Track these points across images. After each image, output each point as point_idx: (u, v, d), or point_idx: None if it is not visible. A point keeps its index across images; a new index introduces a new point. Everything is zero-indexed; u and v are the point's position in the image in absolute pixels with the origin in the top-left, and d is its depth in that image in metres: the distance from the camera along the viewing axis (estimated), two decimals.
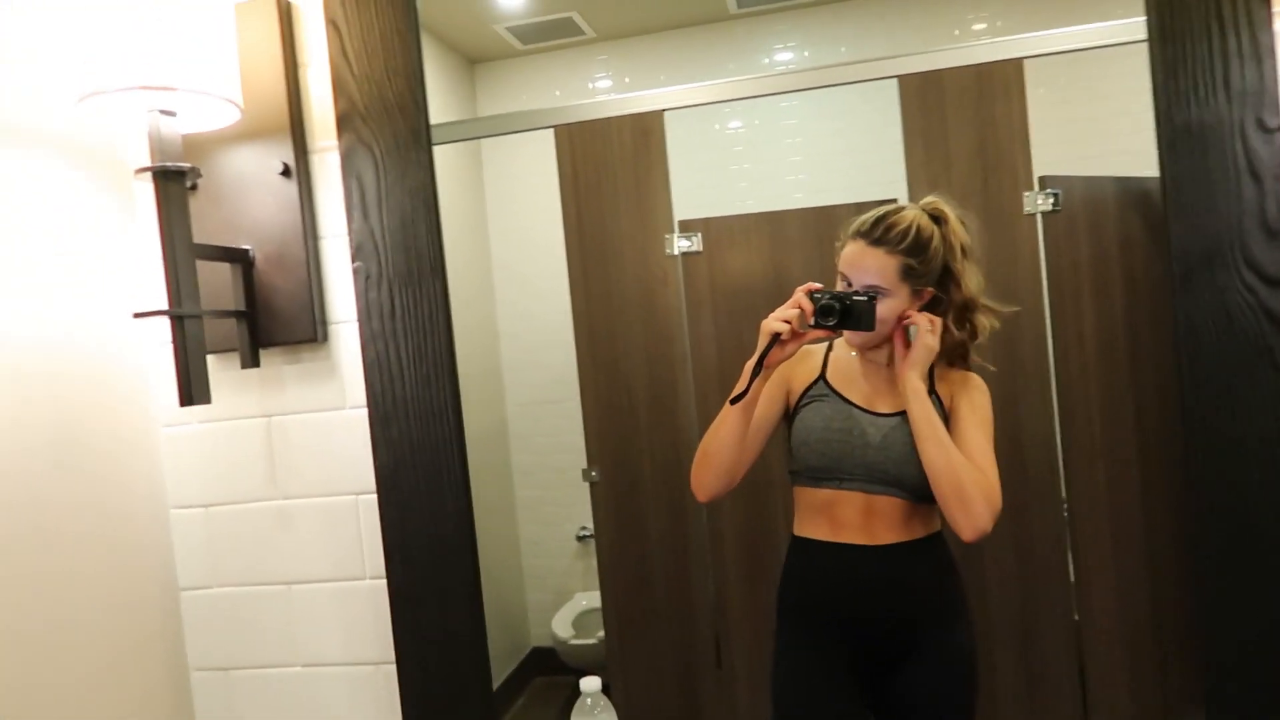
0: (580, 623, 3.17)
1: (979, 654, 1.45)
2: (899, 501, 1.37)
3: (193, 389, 1.17)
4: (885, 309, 1.33)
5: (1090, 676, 2.05)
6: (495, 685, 3.13)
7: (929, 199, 1.40)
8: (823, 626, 1.41)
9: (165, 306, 1.17)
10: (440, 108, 3.23)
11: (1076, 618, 2.04)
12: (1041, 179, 2.01)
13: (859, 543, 1.38)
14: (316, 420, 1.37)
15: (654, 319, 2.20)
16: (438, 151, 3.43)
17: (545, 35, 3.43)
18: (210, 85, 1.17)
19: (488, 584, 3.40)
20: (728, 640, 2.19)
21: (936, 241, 1.35)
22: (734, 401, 1.31)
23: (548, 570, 3.55)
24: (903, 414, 1.37)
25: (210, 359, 1.38)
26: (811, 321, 1.28)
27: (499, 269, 3.60)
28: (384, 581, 1.33)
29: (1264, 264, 1.11)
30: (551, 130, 2.22)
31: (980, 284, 1.40)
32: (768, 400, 1.40)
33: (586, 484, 2.24)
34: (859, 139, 3.22)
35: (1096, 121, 2.39)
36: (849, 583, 1.39)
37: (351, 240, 1.30)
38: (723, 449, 1.34)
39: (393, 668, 1.34)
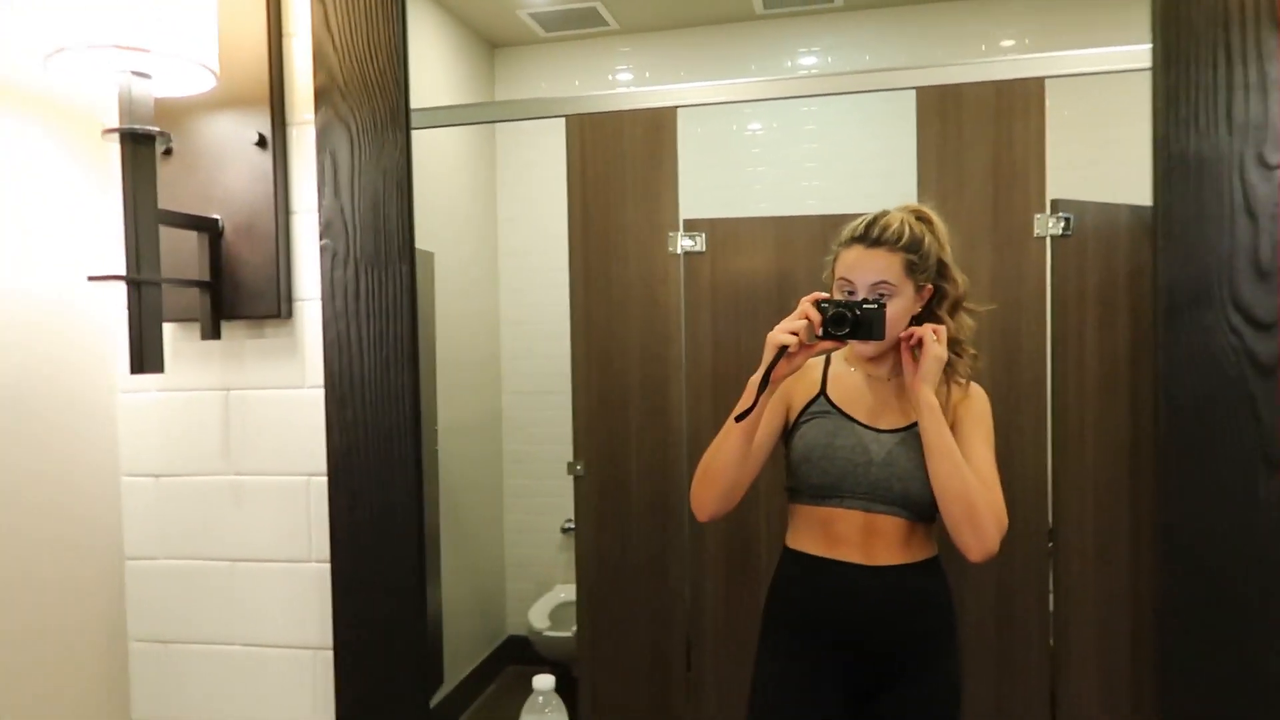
0: (557, 615, 3.16)
1: (963, 685, 1.42)
2: (900, 521, 1.34)
3: (144, 357, 1.15)
4: (894, 310, 1.31)
5: (1061, 707, 2.01)
6: (467, 671, 3.14)
7: (908, 205, 1.41)
8: (810, 643, 1.38)
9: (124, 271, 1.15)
10: (456, 90, 3.24)
11: (1052, 643, 2.00)
12: (1054, 202, 1.97)
13: (856, 561, 1.35)
14: (275, 397, 1.35)
15: (652, 317, 2.17)
16: (450, 132, 3.40)
17: (568, 24, 3.41)
18: (186, 49, 1.14)
19: (468, 569, 3.42)
20: (700, 645, 2.17)
21: (929, 237, 1.36)
22: (739, 418, 1.28)
23: (530, 560, 3.55)
24: (906, 430, 1.35)
25: (171, 328, 1.37)
26: (820, 333, 1.24)
27: (505, 256, 3.59)
28: (329, 566, 1.31)
29: (1253, 306, 1.07)
30: (563, 120, 2.21)
31: (965, 280, 1.41)
32: (770, 415, 1.37)
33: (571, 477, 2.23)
34: (876, 148, 3.18)
35: (1115, 146, 2.34)
36: (843, 601, 1.36)
37: (321, 217, 1.28)
38: (726, 468, 1.31)
39: (330, 654, 1.32)
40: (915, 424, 1.34)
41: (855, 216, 1.62)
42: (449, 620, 2.78)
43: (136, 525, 1.42)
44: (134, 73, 1.14)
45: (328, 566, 1.31)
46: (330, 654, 1.32)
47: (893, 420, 1.37)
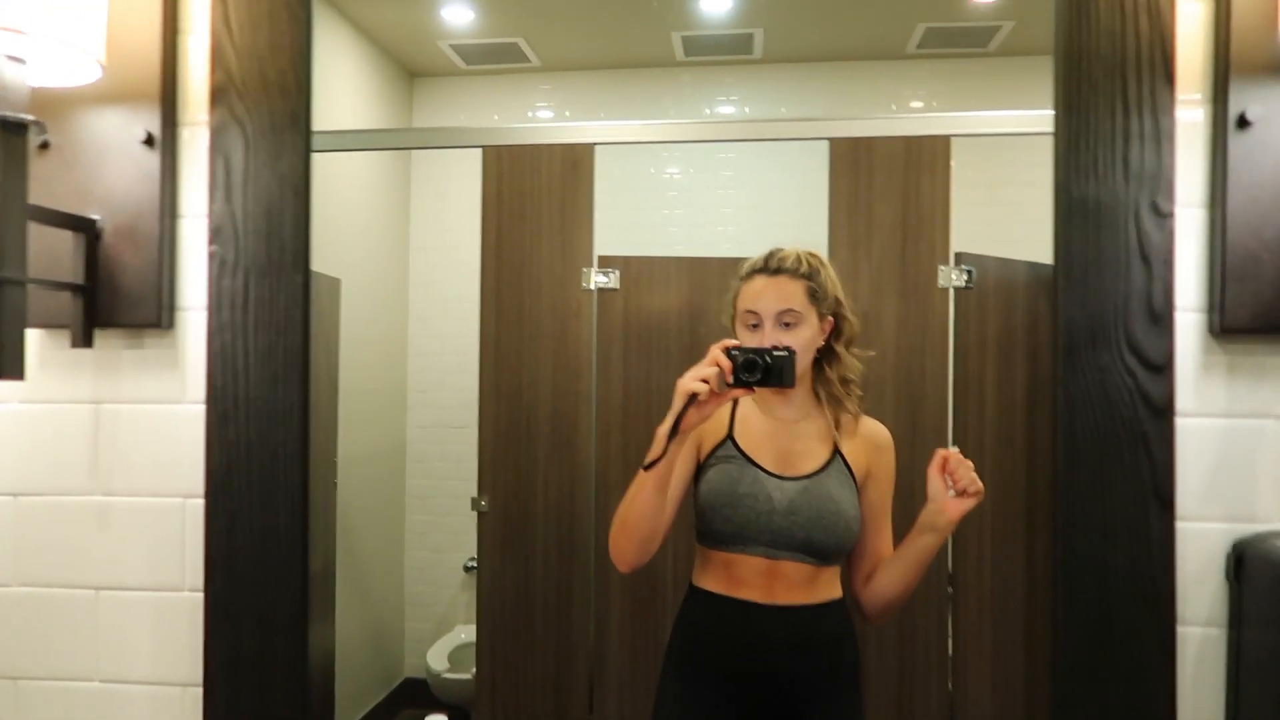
0: (457, 656, 3.06)
1: None
2: (803, 566, 1.33)
3: (3, 362, 1.05)
4: (800, 340, 1.31)
5: None
6: (361, 714, 2.99)
7: (799, 249, 1.41)
8: (710, 683, 1.35)
9: None
10: (373, 116, 3.18)
11: (950, 688, 2.01)
12: (957, 255, 2.03)
13: (758, 600, 1.33)
14: (151, 412, 1.26)
15: (563, 352, 2.14)
16: (365, 157, 3.34)
17: (490, 58, 3.39)
18: (68, 34, 1.08)
19: (365, 607, 3.28)
20: (602, 686, 2.11)
21: (824, 271, 1.37)
22: (648, 468, 1.24)
23: (431, 599, 3.43)
24: (811, 477, 1.35)
25: (38, 334, 1.27)
26: (731, 380, 1.22)
27: (416, 285, 3.51)
28: (203, 595, 1.22)
29: (1146, 348, 1.10)
30: (480, 151, 2.18)
31: (858, 322, 1.43)
32: (682, 459, 1.34)
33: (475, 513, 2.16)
34: (790, 196, 3.24)
35: (1015, 206, 2.43)
36: (744, 639, 1.34)
37: (211, 222, 1.21)
38: (641, 518, 1.27)
39: (200, 691, 1.22)
40: (819, 471, 1.35)
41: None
42: (343, 660, 2.65)
43: None
44: (7, 56, 1.06)
45: (201, 596, 1.22)
46: (199, 691, 1.22)
47: (798, 466, 1.36)
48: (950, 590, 2.03)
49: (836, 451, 1.38)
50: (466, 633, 3.15)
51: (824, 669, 1.35)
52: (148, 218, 1.22)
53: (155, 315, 1.22)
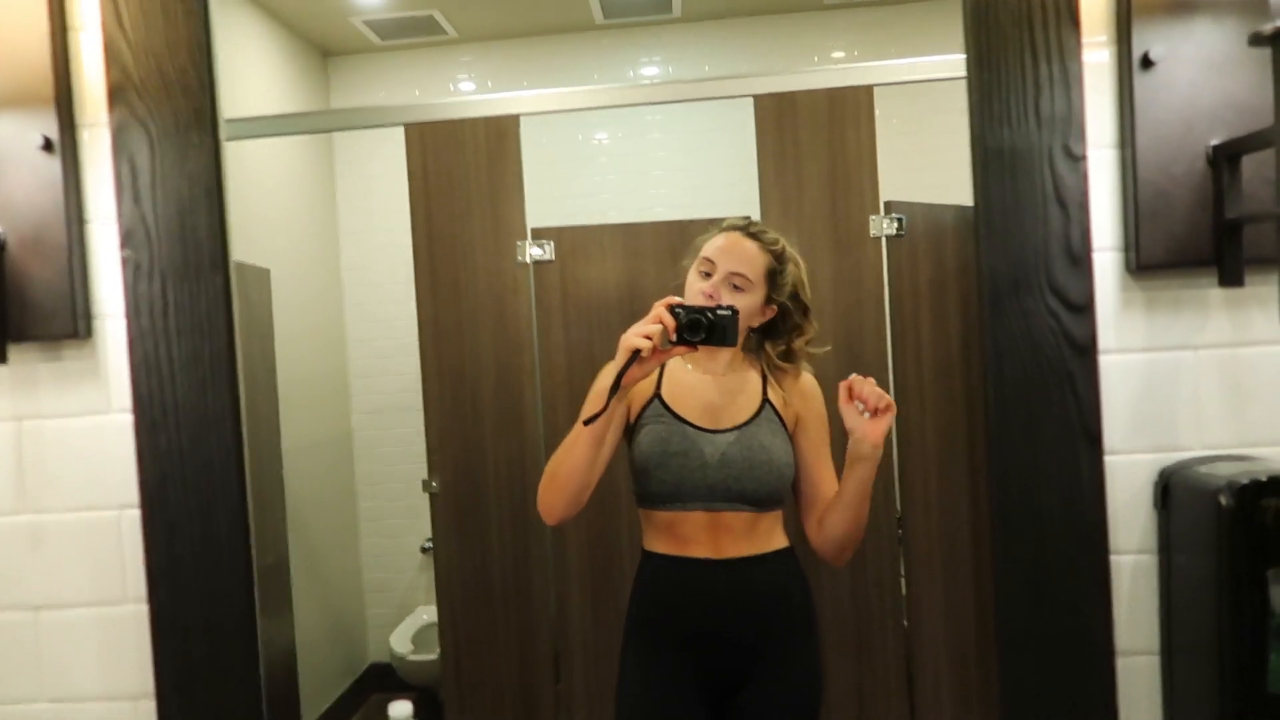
0: (420, 638, 3.07)
1: (825, 672, 1.45)
2: (744, 514, 1.36)
3: None
4: (743, 305, 1.33)
5: (918, 684, 2.09)
6: (328, 704, 2.99)
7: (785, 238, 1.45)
8: (669, 644, 1.38)
9: None
10: (287, 100, 3.09)
11: (906, 624, 2.08)
12: (887, 204, 2.05)
13: (705, 556, 1.36)
14: (77, 426, 1.22)
15: (503, 327, 2.13)
16: (285, 144, 3.25)
17: (405, 32, 3.31)
18: None
19: (323, 597, 3.27)
20: (568, 656, 2.14)
21: (793, 265, 1.41)
22: (588, 422, 1.25)
23: (390, 584, 3.43)
24: (740, 428, 1.36)
25: None
26: (675, 338, 1.23)
27: (348, 270, 3.46)
28: (147, 607, 1.19)
29: (1067, 290, 1.12)
30: (403, 130, 2.14)
31: (817, 326, 1.47)
32: (615, 415, 1.35)
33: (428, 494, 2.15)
34: (719, 156, 3.25)
35: (939, 151, 2.46)
36: (694, 596, 1.37)
37: (121, 226, 1.17)
38: (574, 471, 1.29)
39: (153, 703, 1.20)
40: (749, 422, 1.37)
41: (699, 222, 1.65)
42: (305, 652, 2.63)
43: None
44: None
45: (146, 608, 1.20)
46: (152, 703, 1.21)
47: (727, 418, 1.38)
48: (900, 533, 2.09)
49: (765, 401, 1.40)
50: (428, 614, 3.16)
51: (776, 619, 1.38)
52: (53, 226, 1.17)
53: (71, 326, 1.18)
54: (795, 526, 1.48)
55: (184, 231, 1.16)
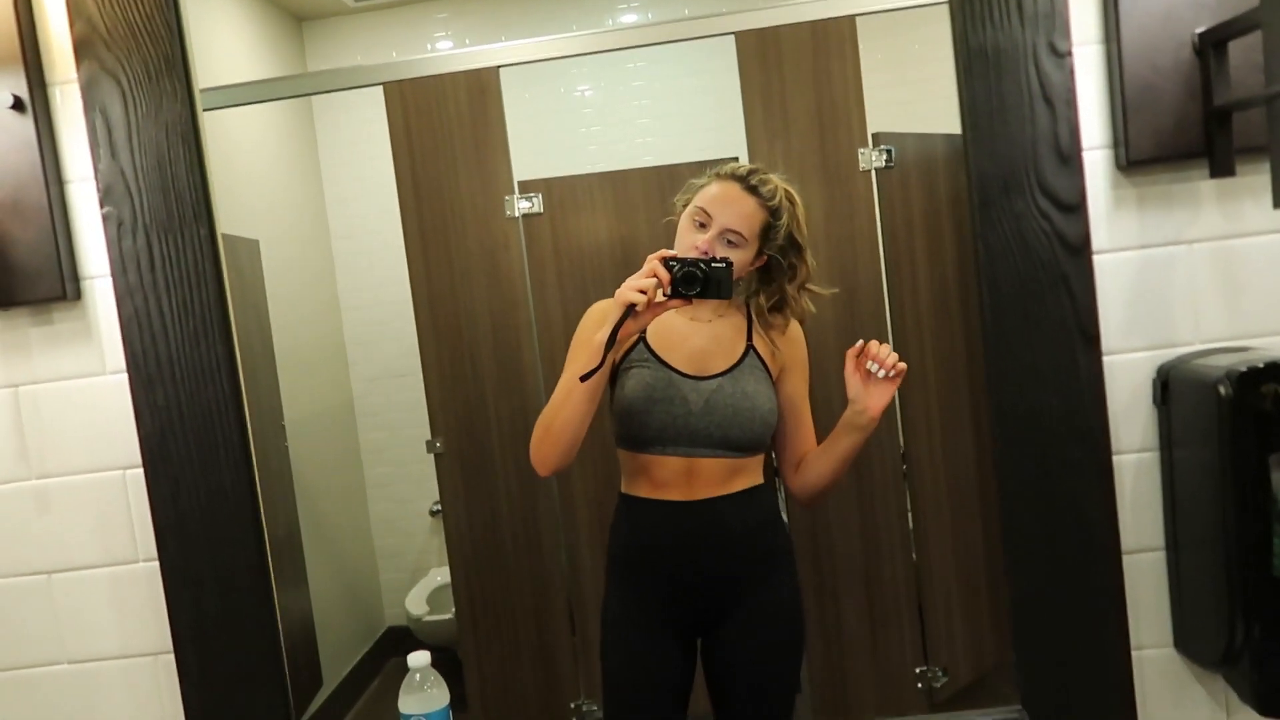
0: (435, 599, 3.08)
1: (803, 605, 1.45)
2: (723, 460, 1.36)
3: None
4: (735, 259, 1.31)
5: (929, 615, 2.10)
6: (347, 669, 3.02)
7: (783, 180, 1.41)
8: (647, 587, 1.39)
9: None
10: (262, 68, 3.05)
11: (915, 558, 2.09)
12: (875, 136, 2.03)
13: (679, 498, 1.36)
14: (73, 388, 1.22)
15: (497, 283, 2.12)
16: (264, 111, 3.20)
17: None
18: None
19: (337, 565, 3.28)
20: (581, 608, 2.15)
21: (789, 215, 1.37)
22: (585, 378, 1.24)
23: (402, 548, 3.45)
24: (724, 374, 1.36)
25: None
26: (669, 291, 1.22)
27: (339, 239, 3.43)
28: (158, 563, 1.20)
29: (1058, 190, 1.11)
30: (381, 90, 2.11)
31: (814, 266, 1.43)
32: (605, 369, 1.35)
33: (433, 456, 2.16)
34: (705, 100, 3.20)
35: (926, 83, 2.43)
36: (669, 536, 1.37)
37: (99, 183, 1.15)
38: (568, 424, 1.28)
39: (172, 658, 1.21)
40: (733, 368, 1.37)
41: (688, 166, 1.62)
42: (322, 620, 2.65)
43: None
44: None
45: (157, 564, 1.20)
46: (171, 658, 1.22)
47: (712, 365, 1.38)
48: (904, 468, 2.09)
49: (750, 347, 1.40)
50: (442, 575, 3.17)
51: (751, 552, 1.39)
52: (31, 187, 1.16)
53: (59, 288, 1.17)
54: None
55: (164, 183, 1.14)
